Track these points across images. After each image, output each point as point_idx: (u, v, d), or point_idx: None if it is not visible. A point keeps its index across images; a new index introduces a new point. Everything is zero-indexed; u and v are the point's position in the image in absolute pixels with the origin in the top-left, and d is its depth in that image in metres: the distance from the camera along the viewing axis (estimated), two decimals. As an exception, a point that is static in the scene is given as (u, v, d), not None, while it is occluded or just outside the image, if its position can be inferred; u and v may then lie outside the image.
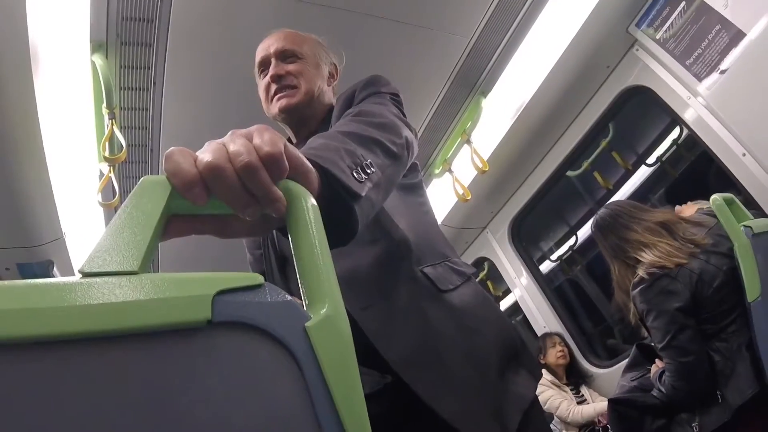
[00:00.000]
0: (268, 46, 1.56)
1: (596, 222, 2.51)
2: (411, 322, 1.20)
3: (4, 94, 2.17)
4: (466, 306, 1.28)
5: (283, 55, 1.54)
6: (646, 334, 2.37)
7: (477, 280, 4.88)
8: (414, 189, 1.51)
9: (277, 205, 0.64)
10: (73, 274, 0.51)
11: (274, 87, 1.50)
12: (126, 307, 0.47)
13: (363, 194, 0.87)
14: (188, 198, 0.61)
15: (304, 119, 1.52)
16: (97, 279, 0.48)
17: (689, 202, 2.64)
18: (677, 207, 2.63)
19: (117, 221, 0.56)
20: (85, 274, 0.49)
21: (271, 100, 1.51)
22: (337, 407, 0.54)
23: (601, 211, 2.55)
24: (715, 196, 2.00)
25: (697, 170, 3.83)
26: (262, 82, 1.56)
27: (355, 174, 0.87)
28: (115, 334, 0.45)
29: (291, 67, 1.51)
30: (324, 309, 0.58)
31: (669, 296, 2.14)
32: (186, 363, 0.48)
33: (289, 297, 0.56)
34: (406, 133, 1.19)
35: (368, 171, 0.92)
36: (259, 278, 0.54)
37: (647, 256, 2.23)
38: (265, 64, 1.55)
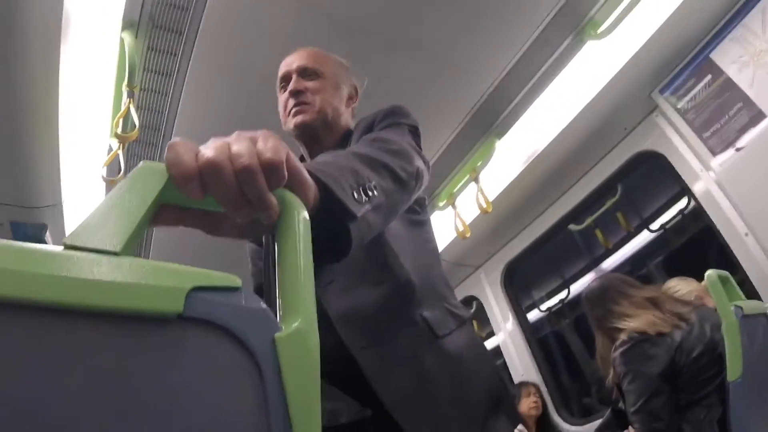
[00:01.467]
0: (291, 62, 1.59)
1: (586, 294, 2.55)
2: (407, 368, 1.22)
3: (31, 53, 2.19)
4: (460, 353, 1.30)
5: (305, 72, 1.55)
6: (621, 400, 2.37)
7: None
8: (422, 225, 1.53)
9: (270, 213, 0.64)
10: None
11: (291, 102, 1.51)
12: (99, 286, 0.46)
13: (359, 215, 0.86)
14: (184, 191, 0.61)
15: (318, 138, 1.52)
16: (78, 253, 0.48)
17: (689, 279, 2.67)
18: (674, 280, 2.65)
19: (109, 200, 0.56)
20: (68, 247, 0.49)
21: (288, 114, 1.52)
22: (292, 423, 0.53)
23: (591, 284, 2.58)
24: (710, 272, 2.00)
25: (699, 243, 3.83)
26: (281, 97, 1.57)
27: (355, 194, 0.87)
28: (83, 310, 0.45)
29: (310, 84, 1.53)
30: (297, 322, 0.57)
31: (648, 360, 2.15)
32: (149, 352, 0.48)
33: (264, 305, 0.55)
34: (419, 163, 1.21)
35: (370, 193, 0.91)
36: (238, 281, 0.54)
37: (630, 323, 2.24)
38: (286, 80, 1.57)
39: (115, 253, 0.51)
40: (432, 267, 1.47)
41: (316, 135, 1.52)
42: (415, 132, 1.42)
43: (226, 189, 0.62)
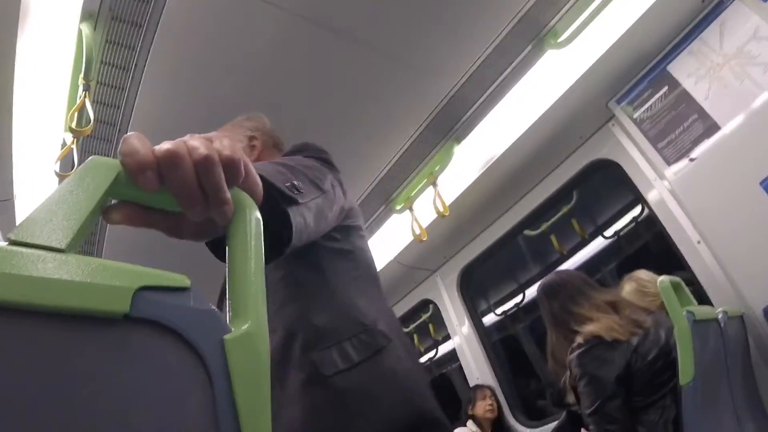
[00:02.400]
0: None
1: (543, 286, 2.54)
2: (296, 410, 1.28)
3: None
4: (351, 388, 1.32)
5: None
6: (575, 401, 2.39)
7: (419, 321, 4.92)
8: (346, 254, 1.55)
9: (225, 209, 0.63)
10: (7, 240, 0.50)
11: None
12: (43, 284, 0.45)
13: (300, 202, 0.92)
14: (139, 181, 0.59)
15: None
16: (22, 249, 0.47)
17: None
18: (643, 272, 2.69)
19: (56, 195, 0.55)
20: (11, 242, 0.48)
21: None
22: (241, 425, 0.53)
23: (550, 276, 2.58)
24: (662, 278, 2.05)
25: (651, 250, 3.91)
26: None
27: (287, 185, 0.92)
28: (26, 308, 0.44)
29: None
30: (246, 325, 0.57)
31: (604, 363, 2.17)
32: (95, 353, 0.47)
33: (212, 306, 0.55)
34: (331, 176, 1.30)
35: (300, 189, 0.97)
36: (186, 281, 0.53)
37: (588, 327, 2.26)
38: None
39: (60, 250, 0.49)
40: (351, 298, 1.48)
41: None
42: (325, 159, 1.47)
43: (184, 180, 0.61)
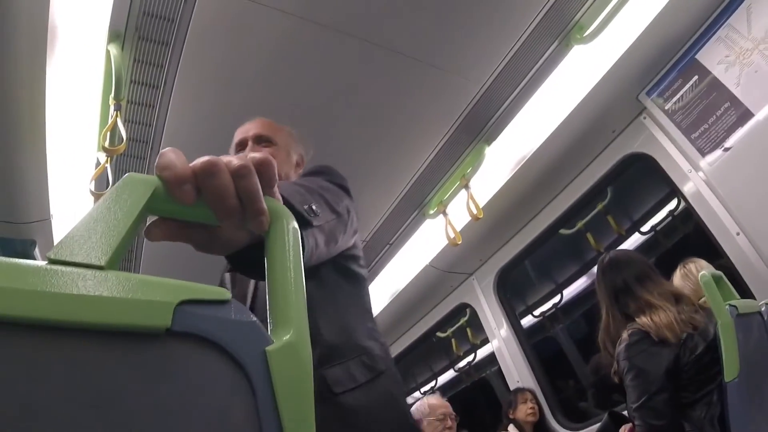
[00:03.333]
0: (247, 129, 1.71)
1: (608, 261, 2.46)
2: None
3: (16, 66, 2.18)
4: (358, 407, 1.36)
5: (260, 139, 1.68)
6: (620, 398, 2.34)
7: (456, 326, 4.90)
8: (357, 280, 1.60)
9: (262, 219, 0.63)
10: (51, 259, 0.50)
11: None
12: (84, 301, 0.45)
13: (314, 224, 0.94)
14: (176, 194, 0.59)
15: None
16: (62, 267, 0.47)
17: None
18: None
19: (93, 213, 0.55)
20: (51, 261, 0.48)
21: None
22: (286, 436, 0.52)
23: (617, 251, 2.52)
24: (703, 272, 2.00)
25: (690, 244, 3.84)
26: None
27: (306, 207, 0.94)
28: (68, 326, 0.44)
29: (266, 151, 1.62)
30: (288, 335, 0.56)
31: (652, 357, 2.12)
32: (137, 368, 0.46)
33: (254, 318, 0.54)
34: (347, 201, 1.32)
35: (316, 212, 0.99)
36: (227, 294, 0.53)
37: (644, 319, 2.20)
38: (242, 145, 1.67)
39: (100, 267, 0.49)
40: (354, 320, 1.53)
41: None
42: (344, 188, 1.47)
43: (221, 189, 0.61)
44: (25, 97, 2.29)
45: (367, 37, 2.44)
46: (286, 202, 0.84)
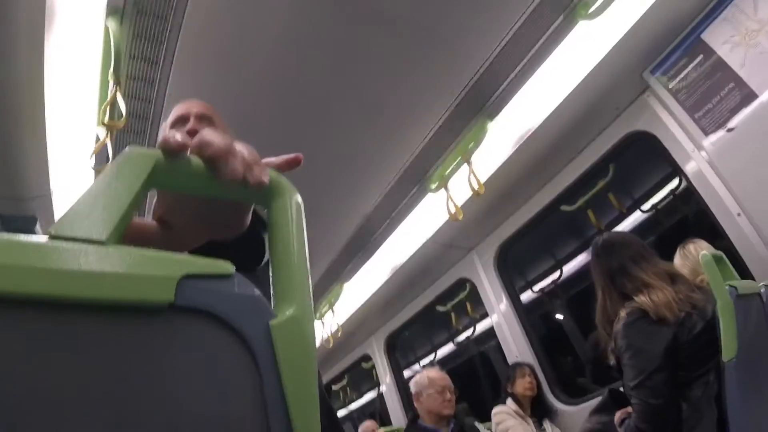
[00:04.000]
0: (189, 107, 1.67)
1: (603, 243, 2.45)
2: None
3: (15, 42, 2.17)
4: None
5: (202, 117, 1.65)
6: (618, 375, 2.35)
7: (456, 300, 4.92)
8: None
9: (260, 173, 0.63)
10: (53, 234, 0.49)
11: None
12: (86, 276, 0.45)
13: None
14: (171, 144, 0.59)
15: None
16: (63, 243, 0.47)
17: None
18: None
19: (94, 188, 0.54)
20: (53, 237, 0.47)
21: None
22: (290, 410, 0.52)
23: (610, 233, 2.52)
24: (704, 252, 2.00)
25: (691, 224, 3.84)
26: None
27: None
28: (70, 301, 0.44)
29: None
30: (291, 309, 0.56)
31: (651, 335, 2.12)
32: (140, 343, 0.46)
33: (257, 292, 0.54)
34: None
35: None
36: (230, 268, 0.53)
37: (642, 298, 2.20)
38: (182, 120, 1.64)
39: (101, 243, 0.49)
40: None
41: None
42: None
43: (222, 140, 0.62)
44: (24, 72, 2.28)
45: (368, 7, 2.41)
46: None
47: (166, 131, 1.55)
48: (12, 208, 2.93)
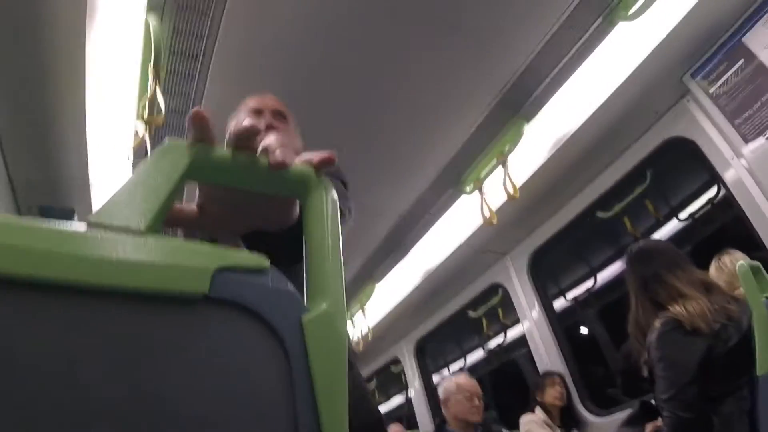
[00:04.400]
0: (264, 100, 1.76)
1: (637, 251, 2.42)
2: None
3: (56, 37, 2.21)
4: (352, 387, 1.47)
5: (277, 114, 1.73)
6: (649, 387, 2.31)
7: (488, 306, 4.89)
8: None
9: (282, 155, 0.63)
10: (92, 226, 0.50)
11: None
12: (123, 265, 0.45)
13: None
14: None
15: None
16: (102, 232, 0.47)
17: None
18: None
19: (134, 178, 0.55)
20: (92, 225, 0.48)
21: None
22: (319, 406, 0.52)
23: (644, 242, 2.49)
24: (741, 263, 1.96)
25: (729, 233, 3.76)
26: (247, 122, 1.67)
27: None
28: (107, 289, 0.44)
29: (280, 126, 1.69)
30: (324, 305, 0.56)
31: (685, 347, 2.08)
32: (174, 333, 0.47)
33: (291, 287, 0.54)
34: (351, 202, 1.46)
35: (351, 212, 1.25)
36: (265, 262, 0.53)
37: (677, 308, 2.16)
38: (258, 112, 1.72)
39: (139, 232, 0.50)
40: None
41: None
42: (345, 185, 1.55)
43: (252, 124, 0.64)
44: (66, 68, 2.33)
45: (407, 8, 2.41)
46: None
47: (238, 122, 1.60)
48: (52, 199, 2.98)
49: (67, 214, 3.05)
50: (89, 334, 0.43)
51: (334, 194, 0.66)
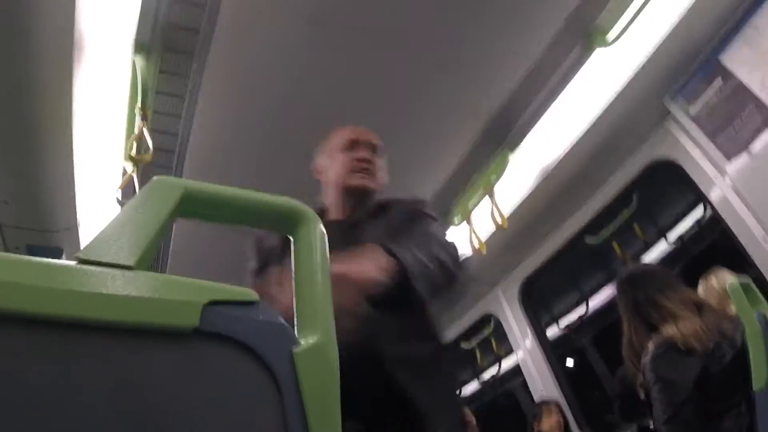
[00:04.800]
0: (361, 132, 1.81)
1: (628, 275, 2.43)
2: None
3: (43, 78, 2.23)
4: None
5: (373, 148, 1.78)
6: (647, 411, 2.30)
7: (481, 337, 4.83)
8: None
9: None
10: (79, 265, 0.50)
11: (360, 165, 1.73)
12: (113, 300, 0.46)
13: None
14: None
15: (363, 204, 1.73)
16: (92, 267, 0.48)
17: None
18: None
19: (122, 215, 0.56)
20: (81, 261, 0.49)
21: (352, 172, 1.72)
22: (311, 438, 0.52)
23: (636, 266, 2.49)
24: (731, 280, 1.97)
25: (717, 251, 3.78)
26: (343, 155, 1.76)
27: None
28: (98, 324, 0.45)
29: (377, 161, 1.77)
30: (315, 337, 0.57)
31: (680, 367, 2.08)
32: (165, 366, 0.47)
33: (281, 319, 0.55)
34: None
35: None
36: (254, 295, 0.54)
37: (670, 329, 2.16)
38: (354, 144, 1.76)
39: (129, 267, 0.50)
40: None
41: (363, 201, 1.73)
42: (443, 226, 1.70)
43: None
44: (53, 108, 2.34)
45: (389, 36, 2.44)
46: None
47: (335, 153, 1.71)
48: (39, 239, 2.97)
49: (55, 253, 3.03)
50: (81, 368, 0.43)
51: (322, 227, 0.67)
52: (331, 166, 1.76)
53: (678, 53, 2.76)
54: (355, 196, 1.72)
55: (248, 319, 0.52)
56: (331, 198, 1.76)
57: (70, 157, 2.53)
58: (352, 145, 1.75)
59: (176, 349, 0.48)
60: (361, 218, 1.66)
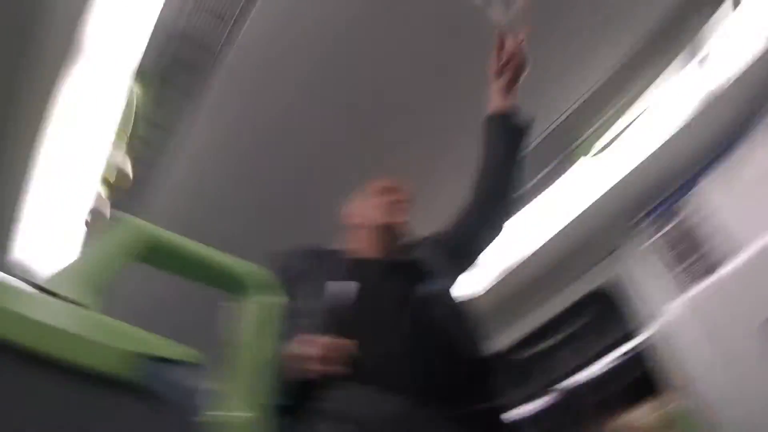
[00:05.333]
0: (401, 186, 1.87)
1: None
2: None
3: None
4: None
5: (406, 194, 1.85)
6: None
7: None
8: None
9: None
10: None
11: (398, 204, 1.80)
12: (55, 333, 0.47)
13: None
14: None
15: (395, 239, 1.77)
16: (47, 297, 0.50)
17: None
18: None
19: (86, 253, 0.58)
20: (40, 289, 0.51)
21: (389, 210, 1.78)
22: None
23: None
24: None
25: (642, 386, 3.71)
26: (380, 199, 1.82)
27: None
28: (32, 351, 0.45)
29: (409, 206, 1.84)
30: (239, 409, 0.58)
31: None
32: (89, 406, 0.48)
33: (207, 386, 0.56)
34: None
35: None
36: (192, 355, 0.55)
37: None
38: (390, 190, 1.83)
39: (81, 305, 0.52)
40: None
41: (396, 237, 1.78)
42: None
43: None
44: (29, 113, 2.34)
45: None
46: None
47: (371, 197, 1.80)
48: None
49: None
50: (15, 389, 0.45)
51: (275, 298, 0.68)
52: (366, 207, 1.80)
53: (651, 180, 2.85)
54: (390, 231, 1.77)
55: (177, 380, 0.53)
56: (364, 239, 1.77)
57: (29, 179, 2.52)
58: (387, 190, 1.82)
59: (103, 392, 0.48)
60: (391, 253, 1.70)
